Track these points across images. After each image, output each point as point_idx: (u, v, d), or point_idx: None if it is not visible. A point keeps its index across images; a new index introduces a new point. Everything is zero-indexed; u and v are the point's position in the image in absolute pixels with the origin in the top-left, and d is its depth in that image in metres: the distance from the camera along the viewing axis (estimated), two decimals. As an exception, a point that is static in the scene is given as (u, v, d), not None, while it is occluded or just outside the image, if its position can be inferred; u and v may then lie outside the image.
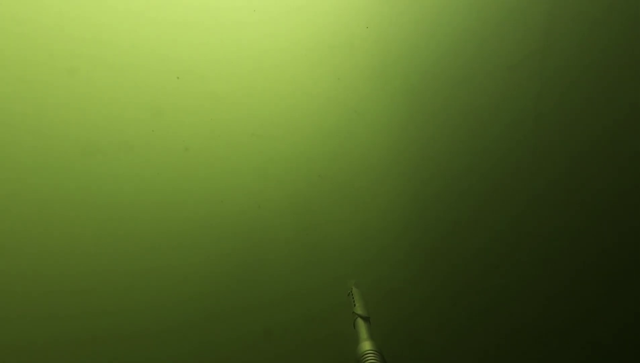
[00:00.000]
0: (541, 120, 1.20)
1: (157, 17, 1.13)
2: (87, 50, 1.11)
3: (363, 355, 0.83)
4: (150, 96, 1.16)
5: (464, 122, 1.23)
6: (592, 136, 1.22)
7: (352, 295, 1.12)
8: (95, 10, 1.10)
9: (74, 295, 1.20)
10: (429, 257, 1.31)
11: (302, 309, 1.30)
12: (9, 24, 1.07)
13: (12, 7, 1.07)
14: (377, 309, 1.24)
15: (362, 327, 0.96)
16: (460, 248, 1.30)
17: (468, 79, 1.20)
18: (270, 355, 1.30)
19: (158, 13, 1.13)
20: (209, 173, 1.23)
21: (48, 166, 1.14)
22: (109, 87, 1.13)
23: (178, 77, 1.16)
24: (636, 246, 1.27)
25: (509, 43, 1.17)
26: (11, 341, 1.17)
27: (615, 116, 1.20)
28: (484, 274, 1.32)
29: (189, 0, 1.14)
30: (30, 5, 1.07)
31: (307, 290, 1.30)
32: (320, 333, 1.30)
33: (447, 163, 1.27)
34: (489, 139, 1.23)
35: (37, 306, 1.18)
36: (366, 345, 0.86)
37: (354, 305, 1.07)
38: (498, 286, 1.32)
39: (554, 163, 1.24)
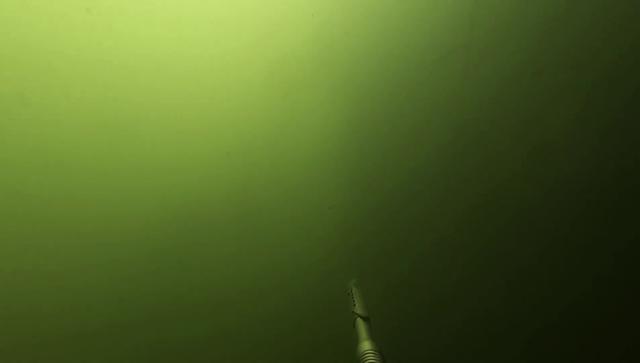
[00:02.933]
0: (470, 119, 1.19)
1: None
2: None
3: (363, 355, 0.83)
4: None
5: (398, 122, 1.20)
6: (517, 136, 1.20)
7: (352, 294, 1.12)
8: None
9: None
10: (370, 264, 1.31)
11: (239, 315, 1.30)
12: None
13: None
14: (315, 317, 1.30)
15: (361, 327, 0.96)
16: (401, 255, 1.31)
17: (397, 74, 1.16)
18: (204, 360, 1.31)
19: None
20: (144, 171, 1.18)
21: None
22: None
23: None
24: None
25: (432, 38, 1.14)
26: None
27: (536, 117, 1.18)
28: (426, 280, 1.33)
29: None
30: None
31: (245, 294, 1.29)
32: (259, 337, 1.32)
33: (385, 164, 1.24)
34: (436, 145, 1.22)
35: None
36: (366, 345, 0.86)
37: (354, 304, 1.07)
38: (439, 290, 1.33)
39: (483, 161, 1.23)
